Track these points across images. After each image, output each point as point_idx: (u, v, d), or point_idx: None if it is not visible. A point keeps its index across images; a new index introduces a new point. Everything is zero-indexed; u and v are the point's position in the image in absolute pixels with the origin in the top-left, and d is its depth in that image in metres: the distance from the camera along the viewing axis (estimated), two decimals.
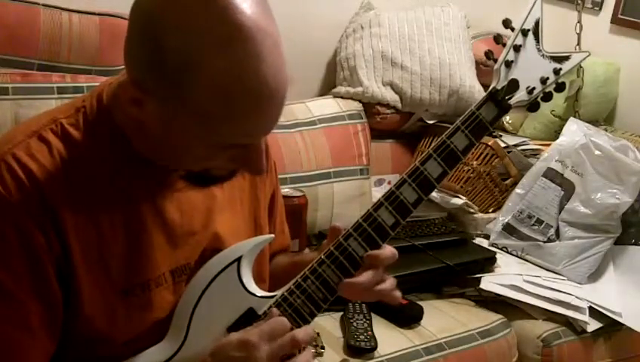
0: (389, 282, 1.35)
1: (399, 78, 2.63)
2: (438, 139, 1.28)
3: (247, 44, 0.99)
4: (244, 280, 1.23)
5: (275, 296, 1.25)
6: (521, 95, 1.31)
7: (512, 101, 1.30)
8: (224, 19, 0.98)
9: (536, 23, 1.31)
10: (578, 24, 2.95)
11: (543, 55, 1.32)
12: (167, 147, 1.11)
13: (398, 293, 1.38)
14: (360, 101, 2.62)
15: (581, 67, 2.76)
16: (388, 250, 1.32)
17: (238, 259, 1.23)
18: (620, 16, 2.96)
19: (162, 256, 1.18)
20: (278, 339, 1.16)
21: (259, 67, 1.00)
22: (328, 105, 2.57)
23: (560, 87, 1.35)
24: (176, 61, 0.99)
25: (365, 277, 1.29)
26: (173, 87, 1.01)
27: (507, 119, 2.85)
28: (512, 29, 1.32)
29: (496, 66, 1.30)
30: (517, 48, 1.30)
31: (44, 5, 2.07)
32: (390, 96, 2.63)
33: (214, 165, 1.13)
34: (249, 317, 1.22)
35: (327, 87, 2.76)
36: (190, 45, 0.98)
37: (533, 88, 1.32)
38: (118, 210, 1.13)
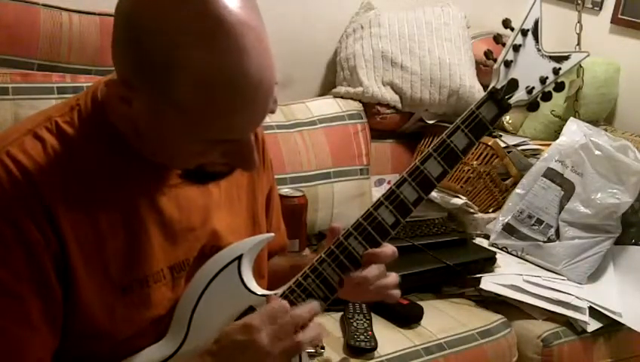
0: (392, 277, 1.35)
1: (399, 78, 2.63)
2: (438, 139, 1.28)
3: (228, 39, 0.99)
4: (245, 279, 1.23)
5: (276, 294, 1.25)
6: (520, 94, 1.31)
7: (512, 100, 1.30)
8: (204, 14, 0.98)
9: (536, 23, 1.31)
10: (578, 24, 2.95)
11: (542, 55, 1.32)
12: (158, 145, 1.12)
13: (397, 292, 1.38)
14: (360, 101, 2.63)
15: (581, 67, 2.76)
16: (388, 248, 1.32)
17: (239, 258, 1.23)
18: (620, 16, 2.97)
19: (160, 253, 1.18)
20: (278, 320, 1.16)
21: (241, 61, 0.99)
22: (328, 105, 2.57)
23: (559, 87, 1.35)
24: (159, 59, 0.99)
25: (366, 271, 1.29)
26: (157, 85, 1.01)
27: (507, 119, 2.86)
28: (512, 29, 1.32)
29: (495, 66, 1.30)
30: (516, 48, 1.30)
31: (44, 5, 2.07)
32: (390, 96, 2.63)
33: (207, 161, 1.13)
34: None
35: (327, 87, 2.76)
36: (171, 43, 0.98)
37: (533, 88, 1.32)
38: (115, 206, 1.14)
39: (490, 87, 1.30)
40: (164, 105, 1.03)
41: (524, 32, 1.30)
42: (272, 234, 1.33)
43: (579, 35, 2.94)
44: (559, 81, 1.34)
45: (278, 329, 1.16)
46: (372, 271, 1.30)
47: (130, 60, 1.03)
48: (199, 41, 0.98)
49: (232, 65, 0.99)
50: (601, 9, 3.03)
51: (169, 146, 1.11)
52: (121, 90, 1.05)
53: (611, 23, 3.00)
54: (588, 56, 1.41)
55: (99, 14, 2.14)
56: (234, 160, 1.13)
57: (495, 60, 1.31)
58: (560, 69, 1.32)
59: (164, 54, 0.99)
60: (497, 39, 1.37)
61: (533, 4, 1.30)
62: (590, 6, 3.04)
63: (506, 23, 1.34)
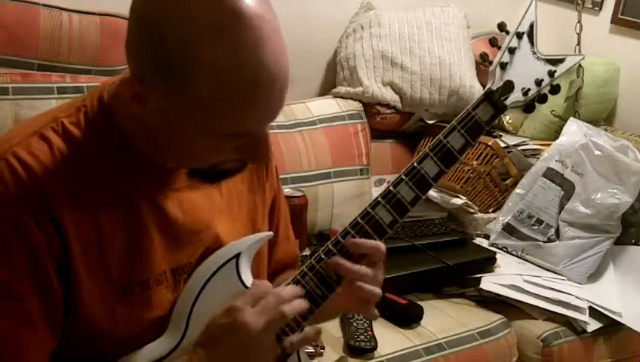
0: (374, 289, 1.29)
1: (399, 78, 2.64)
2: (435, 139, 1.29)
3: (245, 31, 0.99)
4: (243, 277, 1.23)
5: None
6: (516, 96, 1.32)
7: (508, 102, 1.31)
8: (221, 8, 0.99)
9: (531, 26, 1.32)
10: (578, 24, 2.95)
11: (537, 57, 1.33)
12: (170, 145, 1.12)
13: (374, 311, 1.34)
14: (360, 101, 2.63)
15: (581, 67, 2.76)
16: (373, 242, 1.28)
17: (237, 256, 1.23)
18: (620, 16, 2.97)
19: (163, 255, 1.19)
20: (261, 299, 1.17)
21: (259, 53, 1.00)
22: (328, 105, 2.57)
23: (555, 89, 1.35)
24: (177, 54, 1.00)
25: (353, 264, 1.27)
26: (174, 82, 1.01)
27: (507, 119, 2.86)
28: (507, 32, 1.33)
29: (491, 68, 1.31)
30: (512, 50, 1.31)
31: (44, 5, 2.07)
32: (390, 96, 2.64)
33: (219, 159, 1.13)
34: None
35: (327, 87, 2.77)
36: (189, 38, 0.99)
37: (528, 90, 1.32)
38: (119, 208, 1.14)
39: (486, 88, 1.31)
40: (181, 102, 1.03)
41: (519, 35, 1.31)
42: (271, 233, 1.33)
43: (579, 35, 2.94)
44: (555, 83, 1.34)
45: (261, 307, 1.16)
46: (356, 265, 1.27)
47: (147, 58, 1.03)
48: (217, 36, 0.99)
49: (250, 58, 1.00)
50: (601, 9, 3.03)
51: (182, 145, 1.11)
52: (136, 88, 1.06)
53: (611, 23, 3.00)
54: (582, 59, 1.41)
55: (99, 14, 2.15)
56: (248, 154, 1.13)
57: (491, 63, 1.32)
58: (555, 71, 1.33)
59: (182, 51, 0.99)
60: (493, 42, 1.38)
61: (528, 7, 1.30)
62: (590, 6, 3.04)
63: (501, 27, 1.35)
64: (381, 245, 1.28)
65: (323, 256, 1.27)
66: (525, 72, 1.32)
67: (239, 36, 0.99)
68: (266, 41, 1.01)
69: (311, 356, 1.83)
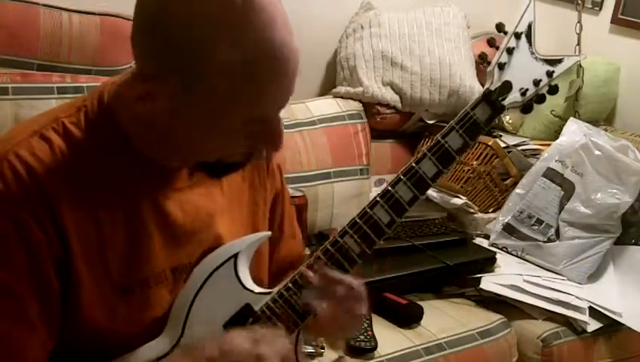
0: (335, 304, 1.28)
1: (399, 78, 2.64)
2: (433, 139, 1.29)
3: (256, 20, 1.00)
4: (241, 277, 1.23)
5: (272, 292, 1.25)
6: (514, 96, 1.32)
7: (506, 102, 1.31)
8: (229, 1, 1.00)
9: (529, 27, 1.32)
10: (578, 24, 2.95)
11: (535, 58, 1.33)
12: (177, 142, 1.12)
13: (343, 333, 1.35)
14: (360, 101, 2.63)
15: (581, 67, 2.76)
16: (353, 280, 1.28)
17: (235, 256, 1.23)
18: (620, 16, 2.97)
19: (163, 254, 1.19)
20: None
21: (272, 37, 1.02)
22: (328, 105, 2.57)
23: (553, 90, 1.35)
24: (191, 49, 1.00)
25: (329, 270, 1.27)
26: (187, 78, 1.02)
27: (507, 119, 2.86)
28: (505, 33, 1.33)
29: (489, 68, 1.31)
30: (510, 51, 1.31)
31: (44, 5, 2.07)
32: (390, 96, 2.64)
33: (228, 152, 1.14)
34: (245, 313, 1.23)
35: (327, 87, 2.77)
36: (203, 31, 1.00)
37: (527, 90, 1.33)
38: (119, 208, 1.14)
39: (484, 88, 1.31)
40: (194, 100, 1.04)
41: (517, 35, 1.31)
42: (269, 232, 1.33)
43: (579, 35, 2.94)
44: (553, 84, 1.34)
45: None
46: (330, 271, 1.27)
47: (155, 56, 1.04)
48: (227, 30, 1.00)
49: (262, 48, 1.01)
50: (601, 9, 3.03)
51: (193, 140, 1.11)
52: (144, 86, 1.06)
53: (611, 23, 3.00)
54: (582, 59, 1.41)
55: (99, 14, 2.14)
56: (261, 141, 1.13)
57: (489, 63, 1.32)
58: (553, 71, 1.33)
59: (197, 44, 1.00)
60: (491, 42, 1.38)
61: (527, 8, 1.31)
62: (590, 6, 3.04)
63: (500, 27, 1.36)
64: (352, 285, 1.26)
65: (321, 256, 1.27)
66: (523, 72, 1.32)
67: (249, 26, 1.00)
68: (279, 25, 1.03)
69: (311, 356, 1.83)
